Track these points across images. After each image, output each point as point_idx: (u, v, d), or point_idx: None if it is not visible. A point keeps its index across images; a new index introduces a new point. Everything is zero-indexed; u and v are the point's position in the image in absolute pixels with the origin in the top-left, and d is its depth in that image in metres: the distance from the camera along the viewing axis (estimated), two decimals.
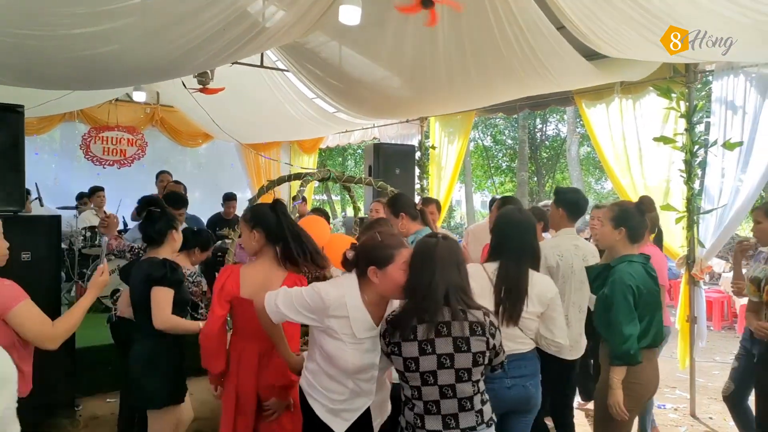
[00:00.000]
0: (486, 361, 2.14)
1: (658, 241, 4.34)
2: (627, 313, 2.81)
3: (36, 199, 6.75)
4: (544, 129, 21.26)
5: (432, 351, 2.08)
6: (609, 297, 2.88)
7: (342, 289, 2.27)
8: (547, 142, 21.35)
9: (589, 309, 3.58)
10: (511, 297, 2.69)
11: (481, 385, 2.17)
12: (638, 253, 3.02)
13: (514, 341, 2.71)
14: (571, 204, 3.59)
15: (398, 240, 2.36)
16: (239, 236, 4.42)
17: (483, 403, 2.16)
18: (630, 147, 5.72)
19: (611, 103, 5.81)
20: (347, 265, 2.36)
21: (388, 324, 2.17)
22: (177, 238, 3.27)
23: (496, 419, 2.23)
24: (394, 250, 2.25)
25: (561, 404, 3.61)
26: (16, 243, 3.90)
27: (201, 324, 3.05)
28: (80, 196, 7.97)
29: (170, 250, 3.23)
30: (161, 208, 3.34)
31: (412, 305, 2.13)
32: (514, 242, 2.78)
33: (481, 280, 2.69)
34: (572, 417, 3.64)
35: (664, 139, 5.01)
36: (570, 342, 3.33)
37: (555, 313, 2.78)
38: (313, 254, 2.72)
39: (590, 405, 4.96)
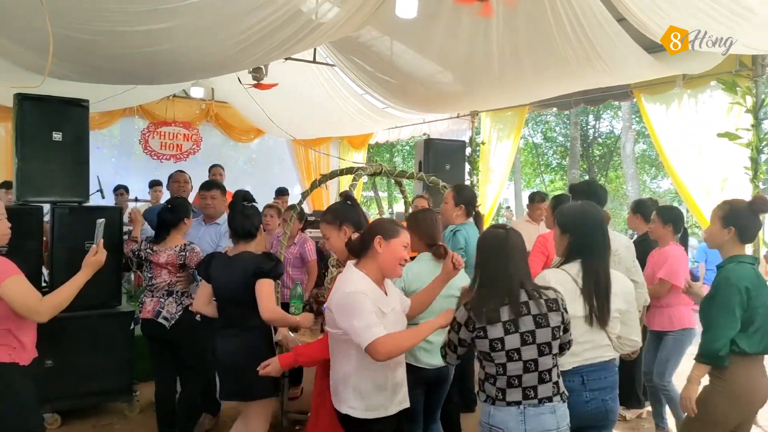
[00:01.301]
0: (562, 335, 2.30)
1: (683, 241, 4.23)
2: (727, 314, 2.70)
3: (98, 191, 7.01)
4: (597, 126, 20.75)
5: (515, 330, 2.23)
6: (713, 296, 2.79)
7: (354, 281, 2.42)
8: (600, 139, 20.84)
9: None
10: (600, 297, 2.52)
11: (557, 358, 2.32)
12: (747, 254, 2.90)
13: (599, 347, 2.55)
14: (589, 195, 3.51)
15: (401, 224, 2.60)
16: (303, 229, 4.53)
17: (559, 375, 2.32)
18: (691, 143, 5.53)
19: (672, 98, 5.61)
20: (350, 247, 2.55)
21: (471, 312, 2.28)
22: (263, 234, 3.33)
23: (568, 394, 2.35)
24: (400, 228, 2.54)
25: None
26: (81, 233, 4.12)
27: (299, 318, 3.20)
28: (152, 184, 8.12)
29: (254, 245, 3.24)
30: (252, 203, 3.37)
31: (490, 291, 2.29)
32: (596, 239, 2.59)
33: (568, 284, 2.51)
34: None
35: (728, 135, 4.82)
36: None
37: (633, 309, 2.68)
38: None
39: (628, 413, 4.79)
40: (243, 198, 3.31)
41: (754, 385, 2.77)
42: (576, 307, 2.46)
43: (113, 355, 4.35)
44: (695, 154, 5.45)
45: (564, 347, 2.38)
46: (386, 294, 2.52)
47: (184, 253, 3.75)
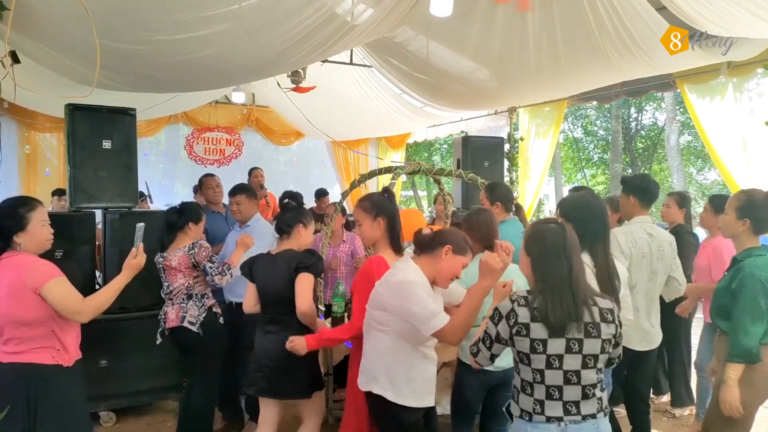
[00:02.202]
0: (610, 349, 2.12)
1: None
2: (755, 309, 2.69)
3: (147, 196, 7.24)
4: (639, 118, 20.27)
5: (561, 334, 2.04)
6: (737, 292, 2.77)
7: (412, 271, 2.50)
8: (642, 132, 20.35)
9: (662, 299, 3.52)
10: (611, 284, 2.60)
11: (602, 374, 2.14)
12: (763, 246, 2.88)
13: None
14: (642, 190, 3.47)
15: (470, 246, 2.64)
16: (332, 231, 4.56)
17: (602, 390, 2.14)
18: (738, 133, 5.37)
19: (717, 87, 5.46)
20: (419, 240, 2.61)
21: (518, 306, 2.11)
22: (303, 233, 3.31)
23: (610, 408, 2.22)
24: (469, 248, 2.59)
25: (634, 397, 3.55)
26: (131, 237, 4.22)
27: (320, 326, 3.24)
28: (197, 189, 8.27)
29: (296, 243, 3.28)
30: (297, 201, 3.44)
31: (545, 294, 2.08)
32: (596, 228, 2.69)
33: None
34: (647, 411, 3.56)
35: None
36: (640, 333, 3.32)
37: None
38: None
39: (662, 399, 4.86)
40: (286, 196, 3.42)
41: (765, 369, 2.77)
42: None
43: (165, 354, 4.45)
44: (742, 144, 5.30)
45: (612, 362, 2.25)
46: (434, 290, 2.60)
47: (193, 251, 3.74)
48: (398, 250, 2.88)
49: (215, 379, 3.91)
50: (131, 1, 3.33)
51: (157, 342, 3.90)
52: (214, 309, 3.88)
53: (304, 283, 3.10)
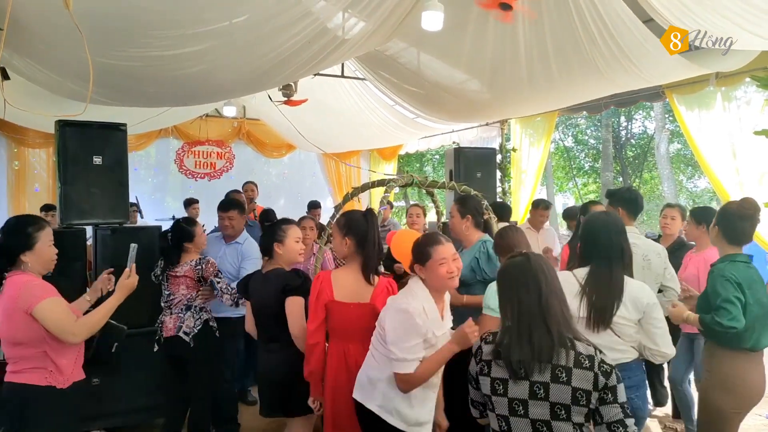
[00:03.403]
0: (591, 405, 1.84)
1: None
2: (731, 298, 2.77)
3: (137, 211, 7.20)
4: (629, 127, 20.43)
5: (525, 376, 1.85)
6: (710, 293, 2.87)
7: (417, 297, 2.43)
8: (632, 141, 20.49)
9: None
10: (600, 299, 2.57)
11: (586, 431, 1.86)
12: (742, 254, 2.97)
13: (614, 349, 2.57)
14: (630, 202, 3.57)
15: (435, 237, 2.50)
16: (324, 243, 4.54)
17: None
18: (727, 142, 5.42)
19: (706, 96, 5.52)
20: (410, 265, 2.57)
21: (485, 343, 2.01)
22: (281, 250, 3.24)
23: None
24: (430, 247, 2.44)
25: None
26: (123, 253, 4.17)
27: None
28: (188, 203, 8.18)
29: (280, 261, 3.24)
30: (269, 219, 3.47)
31: (512, 325, 1.93)
32: (603, 244, 2.68)
33: (571, 287, 2.58)
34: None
35: (766, 133, 4.70)
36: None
37: (655, 321, 2.62)
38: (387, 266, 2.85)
39: (660, 411, 4.83)
40: (266, 219, 3.40)
41: (745, 377, 2.87)
42: (573, 306, 2.36)
43: (156, 372, 4.40)
44: (731, 152, 5.35)
45: (613, 428, 1.84)
46: (442, 318, 2.53)
47: (200, 267, 3.79)
48: (369, 270, 2.81)
49: (208, 394, 3.88)
50: (122, 19, 3.33)
51: (155, 349, 3.90)
52: (210, 323, 3.88)
53: (294, 307, 3.07)
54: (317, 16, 3.94)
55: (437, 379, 2.59)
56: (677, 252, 4.28)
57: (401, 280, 4.34)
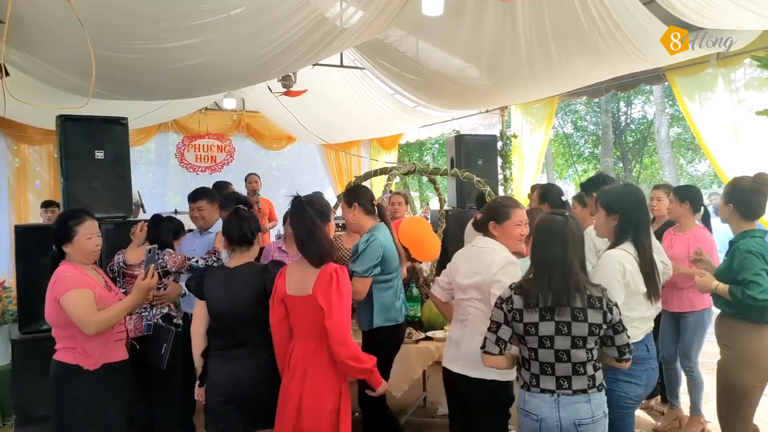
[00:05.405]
0: (602, 333, 2.27)
1: (706, 221, 4.20)
2: (760, 272, 2.83)
3: (139, 206, 7.21)
4: (628, 112, 20.38)
5: (551, 318, 2.26)
6: (737, 268, 2.91)
7: (504, 249, 2.75)
8: (632, 126, 20.46)
9: None
10: (655, 272, 2.70)
11: (596, 353, 2.31)
12: (757, 229, 3.04)
13: (651, 320, 2.79)
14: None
15: (514, 200, 2.88)
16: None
17: (596, 369, 2.33)
18: (728, 124, 5.40)
19: (706, 78, 5.50)
20: (476, 224, 2.86)
21: (514, 292, 2.36)
22: (259, 241, 3.06)
23: (606, 385, 2.39)
24: (510, 208, 2.78)
25: None
26: (126, 247, 4.24)
27: None
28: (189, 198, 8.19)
29: (253, 253, 3.00)
30: (249, 205, 3.36)
31: (538, 279, 2.31)
32: (641, 217, 2.74)
33: (633, 263, 2.64)
34: None
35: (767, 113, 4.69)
36: None
37: None
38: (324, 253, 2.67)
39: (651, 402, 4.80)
40: (237, 202, 3.25)
41: (763, 349, 2.91)
42: (640, 284, 2.63)
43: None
44: (733, 134, 5.34)
45: (623, 352, 2.34)
46: None
47: (159, 260, 3.55)
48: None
49: (177, 399, 3.71)
50: (121, 12, 3.32)
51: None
52: (175, 320, 3.71)
53: None
54: (315, 6, 3.92)
55: None
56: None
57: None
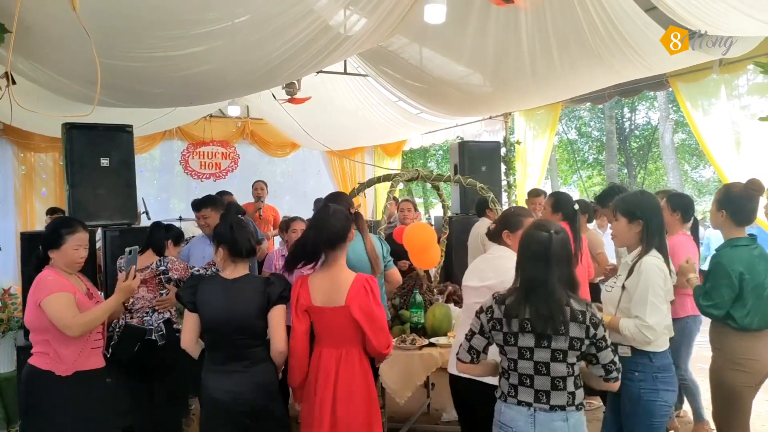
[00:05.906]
0: (583, 349, 2.22)
1: (694, 231, 4.22)
2: (719, 285, 2.94)
3: (144, 212, 7.24)
4: (632, 118, 20.37)
5: (530, 330, 2.22)
6: (708, 275, 3.00)
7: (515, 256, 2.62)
8: (636, 132, 20.44)
9: None
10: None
11: (576, 369, 2.26)
12: (744, 236, 3.05)
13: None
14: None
15: (527, 211, 2.91)
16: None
17: (576, 387, 2.26)
18: (732, 130, 5.41)
19: (710, 84, 5.50)
20: (490, 234, 2.88)
21: (496, 302, 2.32)
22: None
23: (585, 406, 2.34)
24: (523, 217, 2.78)
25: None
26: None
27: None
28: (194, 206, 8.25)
29: (248, 265, 2.96)
30: (242, 213, 3.31)
31: (522, 294, 2.26)
32: (662, 223, 2.78)
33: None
34: None
35: None
36: None
37: None
38: None
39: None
40: (236, 211, 3.23)
41: (753, 353, 2.95)
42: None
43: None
44: (735, 140, 5.34)
45: (610, 370, 2.27)
46: None
47: (163, 267, 3.65)
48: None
49: (183, 404, 3.82)
50: (127, 21, 3.35)
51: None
52: (175, 326, 3.76)
53: (280, 317, 2.75)
54: (319, 14, 3.95)
55: None
56: None
57: (407, 276, 4.38)
